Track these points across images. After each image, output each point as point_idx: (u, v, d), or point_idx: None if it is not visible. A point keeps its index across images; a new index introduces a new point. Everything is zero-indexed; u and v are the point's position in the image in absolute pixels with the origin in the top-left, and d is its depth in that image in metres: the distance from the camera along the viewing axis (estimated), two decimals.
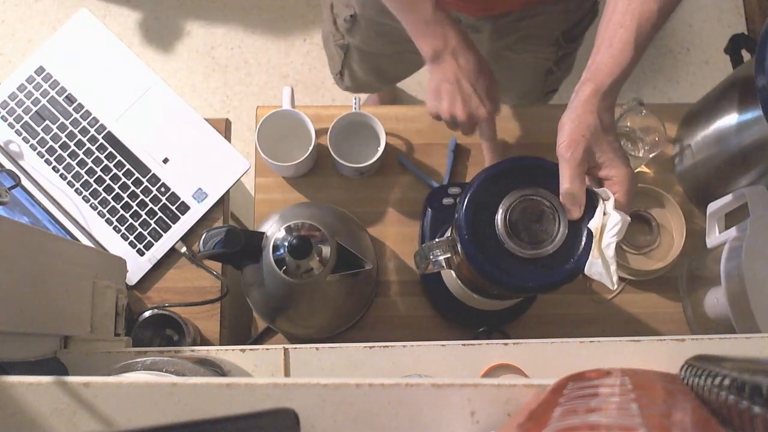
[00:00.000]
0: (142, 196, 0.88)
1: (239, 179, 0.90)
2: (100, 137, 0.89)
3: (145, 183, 0.88)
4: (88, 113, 0.90)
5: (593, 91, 0.57)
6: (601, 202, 0.57)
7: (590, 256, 0.55)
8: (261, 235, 0.71)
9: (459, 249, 0.57)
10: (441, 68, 0.70)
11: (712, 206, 0.78)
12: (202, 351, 0.58)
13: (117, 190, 0.88)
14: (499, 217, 0.56)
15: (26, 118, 0.89)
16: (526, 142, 0.90)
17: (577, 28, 0.97)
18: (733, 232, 0.73)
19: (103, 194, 0.88)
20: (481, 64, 0.70)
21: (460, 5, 0.86)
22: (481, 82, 0.71)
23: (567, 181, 0.55)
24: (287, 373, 0.56)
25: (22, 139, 0.89)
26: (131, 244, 0.86)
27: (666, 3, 0.58)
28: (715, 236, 0.77)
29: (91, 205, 0.87)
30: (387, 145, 0.84)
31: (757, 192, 0.72)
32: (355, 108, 0.86)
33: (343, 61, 1.07)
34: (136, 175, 0.88)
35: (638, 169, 0.88)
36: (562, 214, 0.56)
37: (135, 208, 0.87)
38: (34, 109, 0.90)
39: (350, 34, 0.98)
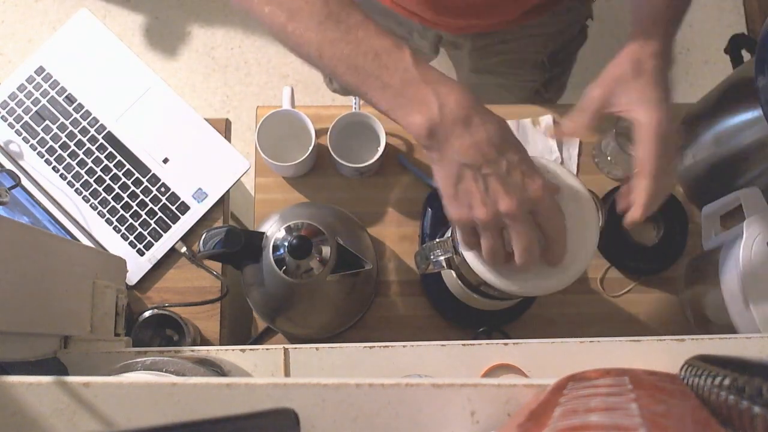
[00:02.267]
0: (142, 196, 0.88)
1: (239, 179, 0.90)
2: (100, 137, 0.89)
3: (145, 183, 0.88)
4: (88, 113, 0.90)
5: (632, 34, 0.55)
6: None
7: None
8: (261, 235, 0.71)
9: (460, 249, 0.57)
10: (447, 151, 0.47)
11: (707, 209, 0.78)
12: (202, 351, 0.58)
13: (117, 190, 0.88)
14: None
15: (26, 118, 0.89)
16: None
17: (563, 51, 0.96)
18: (729, 234, 0.73)
19: (103, 194, 0.88)
20: (500, 123, 0.48)
21: (439, 21, 0.86)
22: (512, 147, 0.48)
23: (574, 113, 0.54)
24: (287, 373, 0.56)
25: (22, 139, 0.89)
26: (131, 244, 0.86)
27: None
28: (711, 238, 0.78)
29: (91, 205, 0.87)
30: (387, 145, 0.84)
31: (751, 194, 0.72)
32: (355, 108, 0.86)
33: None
34: (136, 175, 0.88)
35: None
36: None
37: (135, 208, 0.87)
38: (34, 109, 0.90)
39: None
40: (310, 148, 0.82)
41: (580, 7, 0.89)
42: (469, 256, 0.55)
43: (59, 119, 0.89)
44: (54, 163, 0.88)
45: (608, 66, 0.55)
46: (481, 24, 0.85)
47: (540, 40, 0.90)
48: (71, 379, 0.42)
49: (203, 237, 0.69)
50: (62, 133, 0.89)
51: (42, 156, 0.88)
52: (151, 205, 0.88)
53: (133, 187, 0.88)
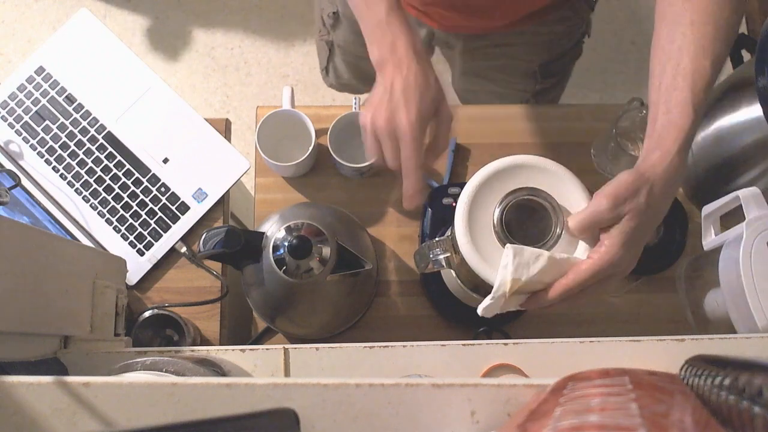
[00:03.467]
0: (142, 196, 0.88)
1: (239, 179, 0.90)
2: (100, 137, 0.89)
3: (145, 183, 0.88)
4: (88, 113, 0.90)
5: (660, 157, 0.53)
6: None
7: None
8: (261, 235, 0.71)
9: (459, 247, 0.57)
10: (382, 77, 0.61)
11: (707, 209, 0.78)
12: (202, 351, 0.58)
13: (117, 190, 0.88)
14: (495, 216, 0.56)
15: (26, 118, 0.89)
16: (534, 142, 0.90)
17: (556, 64, 0.96)
18: (729, 234, 0.73)
19: (103, 194, 0.88)
20: (427, 81, 0.60)
21: (428, 19, 0.86)
22: (420, 98, 0.59)
23: (579, 221, 0.53)
24: (287, 373, 0.56)
25: (22, 139, 0.89)
26: (131, 244, 0.86)
27: (717, 57, 0.55)
28: (711, 238, 0.77)
29: (91, 205, 0.87)
30: (366, 105, 0.84)
31: (751, 194, 0.72)
32: (355, 108, 0.86)
33: (328, 57, 1.07)
34: (136, 175, 0.88)
35: None
36: (559, 215, 0.56)
37: (135, 208, 0.87)
38: (34, 109, 0.90)
39: (333, 30, 0.97)
40: (310, 148, 0.82)
41: (574, 17, 0.88)
42: (469, 256, 0.56)
43: (59, 119, 0.89)
44: (54, 163, 0.88)
45: (634, 174, 0.52)
46: (474, 26, 0.85)
47: (532, 48, 0.90)
48: (71, 379, 0.42)
49: (203, 237, 0.69)
50: (62, 133, 0.89)
51: (42, 156, 0.88)
52: (151, 205, 0.88)
53: (133, 187, 0.88)
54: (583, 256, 0.55)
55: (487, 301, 0.54)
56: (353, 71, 1.08)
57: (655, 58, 0.56)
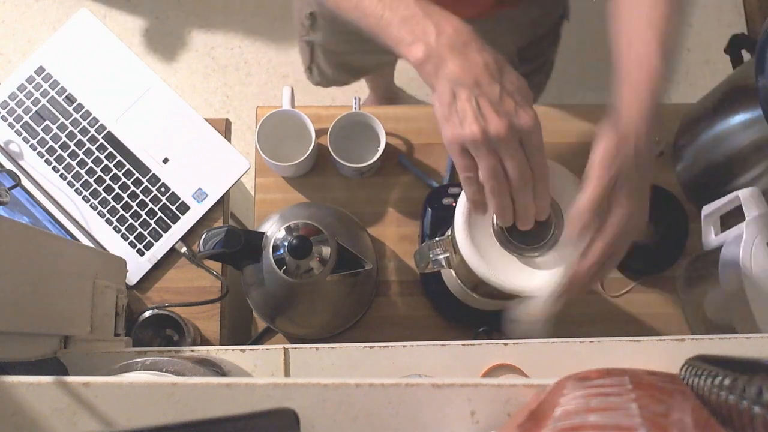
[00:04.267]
0: (142, 196, 0.88)
1: (239, 179, 0.90)
2: (100, 137, 0.89)
3: (145, 183, 0.88)
4: (88, 113, 0.90)
5: (638, 110, 0.50)
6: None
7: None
8: (261, 235, 0.71)
9: None
10: (443, 73, 0.48)
11: (707, 209, 0.78)
12: (202, 351, 0.58)
13: (117, 190, 0.88)
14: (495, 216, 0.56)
15: (26, 118, 0.89)
16: None
17: (533, 49, 0.94)
18: (728, 234, 0.73)
19: (103, 194, 0.88)
20: (497, 55, 0.50)
21: None
22: (508, 78, 0.49)
23: (587, 198, 0.49)
24: (287, 373, 0.56)
25: (22, 139, 0.89)
26: (131, 244, 0.86)
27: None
28: (711, 238, 0.78)
29: (91, 205, 0.87)
30: (387, 145, 0.84)
31: (750, 194, 0.72)
32: (355, 108, 0.86)
33: (310, 57, 1.04)
34: (136, 175, 0.88)
35: None
36: (559, 215, 0.56)
37: (135, 208, 0.87)
38: (34, 109, 0.90)
39: (312, 31, 0.95)
40: (310, 148, 0.82)
41: (550, 1, 0.87)
42: (469, 256, 0.56)
43: (59, 119, 0.89)
44: (54, 163, 0.88)
45: (616, 128, 0.50)
46: (462, 11, 0.84)
47: (507, 33, 0.87)
48: (71, 379, 0.42)
49: (203, 237, 0.69)
50: (62, 133, 0.89)
51: (42, 156, 0.88)
52: (151, 205, 0.88)
53: (133, 187, 0.88)
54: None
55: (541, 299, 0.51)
56: (337, 68, 1.06)
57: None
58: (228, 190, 0.89)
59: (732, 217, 0.75)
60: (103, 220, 0.87)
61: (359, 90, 1.62)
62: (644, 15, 0.53)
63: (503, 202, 0.50)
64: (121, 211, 0.87)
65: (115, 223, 0.87)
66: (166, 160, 0.89)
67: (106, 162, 0.88)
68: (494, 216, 0.56)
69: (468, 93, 0.48)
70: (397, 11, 0.50)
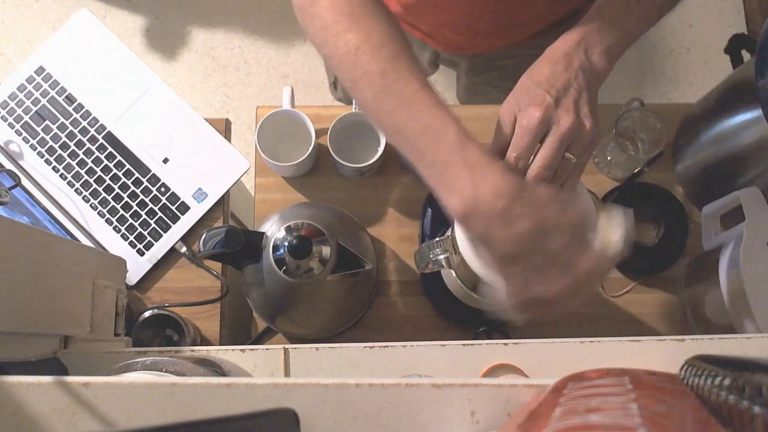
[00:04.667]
0: (142, 196, 0.88)
1: (239, 179, 0.90)
2: (100, 137, 0.89)
3: (145, 183, 0.88)
4: (88, 113, 0.90)
5: (564, 38, 0.51)
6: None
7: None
8: (261, 235, 0.71)
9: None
10: (487, 240, 0.46)
11: (707, 209, 0.78)
12: (202, 351, 0.58)
13: (117, 190, 0.88)
14: None
15: (26, 118, 0.89)
16: None
17: None
18: (729, 234, 0.73)
19: (103, 194, 0.88)
20: (543, 213, 0.45)
21: (432, 41, 0.86)
22: (555, 235, 0.45)
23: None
24: (287, 373, 0.56)
25: (22, 139, 0.89)
26: (131, 244, 0.86)
27: None
28: (711, 238, 0.77)
29: (91, 205, 0.87)
30: (387, 145, 0.84)
31: (751, 194, 0.72)
32: (355, 108, 0.86)
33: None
34: (136, 175, 0.88)
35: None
36: None
37: (135, 208, 0.87)
38: (34, 109, 0.90)
39: None
40: (310, 148, 0.82)
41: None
42: (469, 256, 0.55)
43: (59, 119, 0.89)
44: (54, 163, 0.88)
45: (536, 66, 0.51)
46: (479, 45, 0.85)
47: (535, 59, 0.90)
48: (71, 379, 0.42)
49: (203, 237, 0.69)
50: (62, 133, 0.89)
51: (42, 156, 0.88)
52: (151, 205, 0.88)
53: (133, 187, 0.88)
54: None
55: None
56: None
57: None
58: (228, 190, 0.89)
59: (732, 217, 0.75)
60: (103, 220, 0.87)
61: None
62: None
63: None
64: (121, 211, 0.87)
65: (115, 223, 0.87)
66: (166, 160, 0.89)
67: (106, 162, 0.88)
68: None
69: (518, 263, 0.46)
70: (438, 152, 0.47)
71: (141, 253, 0.86)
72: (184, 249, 0.87)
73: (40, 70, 0.91)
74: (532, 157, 0.50)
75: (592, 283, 0.47)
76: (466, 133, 0.47)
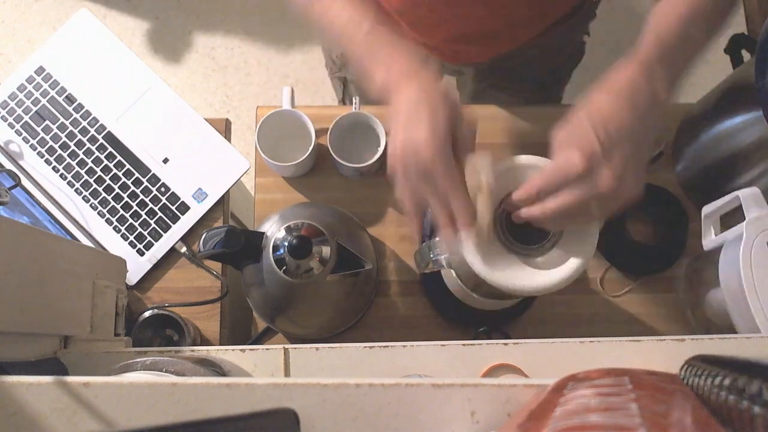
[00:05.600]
0: (142, 196, 0.88)
1: (239, 179, 0.90)
2: (100, 137, 0.89)
3: (145, 183, 0.88)
4: (88, 113, 0.90)
5: (627, 66, 0.50)
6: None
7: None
8: (261, 235, 0.71)
9: None
10: (393, 101, 0.52)
11: (707, 209, 0.78)
12: (202, 351, 0.58)
13: (117, 190, 0.88)
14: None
15: (26, 118, 0.89)
16: (534, 142, 0.90)
17: (562, 69, 0.97)
18: (729, 234, 0.73)
19: (103, 194, 0.88)
20: (432, 93, 0.51)
21: (439, 55, 0.86)
22: (432, 111, 0.50)
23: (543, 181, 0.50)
24: (287, 373, 0.56)
25: (22, 139, 0.89)
26: (131, 244, 0.86)
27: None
28: (711, 238, 0.77)
29: (91, 205, 0.87)
30: (387, 145, 0.84)
31: (751, 194, 0.72)
32: (355, 108, 0.86)
33: (343, 91, 1.06)
34: (136, 175, 0.88)
35: None
36: None
37: (135, 208, 0.87)
38: (34, 109, 0.90)
39: (345, 68, 0.97)
40: (310, 148, 0.82)
41: (578, 25, 0.89)
42: (469, 256, 0.55)
43: (59, 119, 0.89)
44: (54, 163, 0.88)
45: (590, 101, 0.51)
46: (486, 53, 0.85)
47: (540, 59, 0.90)
48: (71, 379, 0.42)
49: (203, 237, 0.69)
50: (62, 133, 0.89)
51: (42, 156, 0.88)
52: (151, 205, 0.88)
53: (133, 187, 0.88)
54: (585, 257, 0.55)
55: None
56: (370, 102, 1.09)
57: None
58: (228, 190, 0.89)
59: (732, 217, 0.75)
60: (103, 220, 0.87)
61: None
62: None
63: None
64: (121, 211, 0.87)
65: (115, 223, 0.87)
66: (166, 160, 0.89)
67: (106, 162, 0.88)
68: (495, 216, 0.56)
69: (400, 163, 0.52)
70: (358, 44, 0.55)
71: (141, 253, 0.86)
72: (184, 249, 0.87)
73: (40, 70, 0.91)
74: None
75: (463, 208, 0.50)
76: (381, 22, 0.55)
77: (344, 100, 1.11)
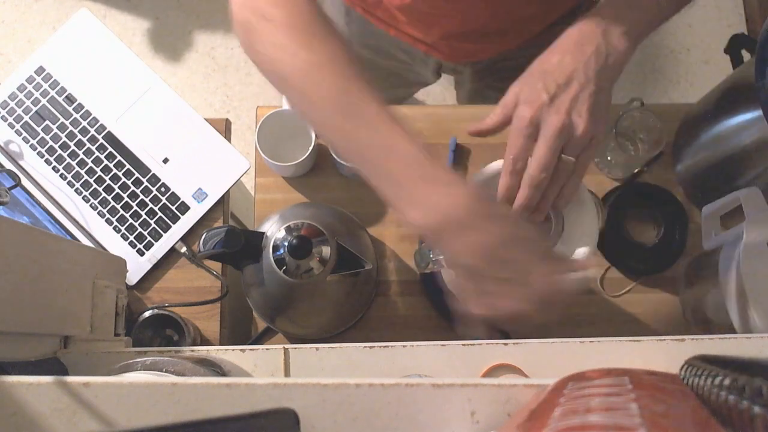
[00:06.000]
0: (142, 196, 0.88)
1: (239, 179, 0.90)
2: (100, 137, 0.89)
3: (145, 183, 0.88)
4: (88, 113, 0.90)
5: (580, 20, 0.51)
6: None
7: None
8: (261, 235, 0.71)
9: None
10: (447, 251, 0.49)
11: (707, 209, 0.78)
12: (202, 351, 0.58)
13: (117, 190, 0.88)
14: None
15: (26, 118, 0.89)
16: None
17: None
18: (729, 234, 0.73)
19: (103, 194, 0.88)
20: (502, 229, 0.47)
21: (437, 52, 0.86)
22: (514, 250, 0.47)
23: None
24: (287, 373, 0.56)
25: (22, 139, 0.89)
26: (131, 244, 0.86)
27: None
28: (711, 238, 0.77)
29: (91, 205, 0.87)
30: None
31: (751, 194, 0.72)
32: None
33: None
34: (136, 175, 0.88)
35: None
36: (559, 216, 0.56)
37: (135, 208, 0.87)
38: (34, 109, 0.90)
39: None
40: (310, 148, 0.82)
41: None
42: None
43: (59, 119, 0.89)
44: (54, 163, 0.88)
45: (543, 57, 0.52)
46: (485, 50, 0.85)
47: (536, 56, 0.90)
48: (71, 379, 0.42)
49: (203, 237, 0.69)
50: (62, 133, 0.89)
51: (42, 156, 0.88)
52: (151, 205, 0.88)
53: (133, 187, 0.88)
54: (590, 251, 0.55)
55: None
56: None
57: None
58: (228, 190, 0.89)
59: (732, 217, 0.75)
60: (103, 220, 0.87)
61: None
62: None
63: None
64: (121, 211, 0.87)
65: (115, 223, 0.87)
66: (166, 160, 0.89)
67: (106, 162, 0.88)
68: None
69: (475, 275, 0.48)
70: (401, 169, 0.48)
71: (141, 253, 0.86)
72: (184, 249, 0.87)
73: (40, 70, 0.91)
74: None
75: (555, 296, 0.48)
76: (429, 151, 0.48)
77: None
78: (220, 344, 0.85)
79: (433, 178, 0.47)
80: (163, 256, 0.86)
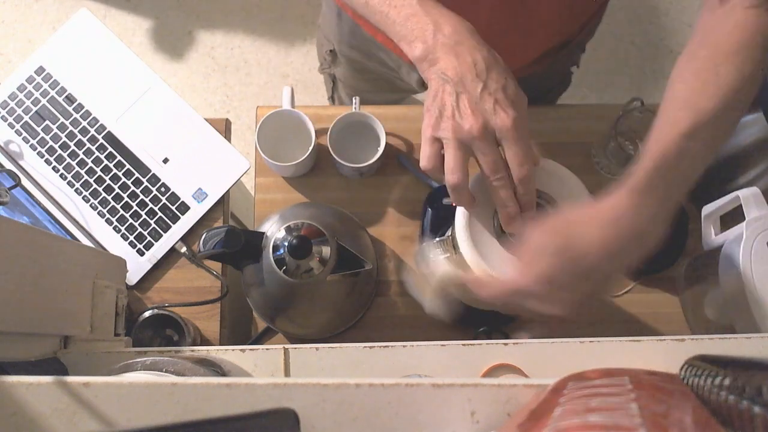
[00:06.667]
0: (142, 196, 0.88)
1: (239, 179, 0.90)
2: (100, 137, 0.89)
3: (145, 183, 0.88)
4: (88, 113, 0.90)
5: (616, 194, 0.48)
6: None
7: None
8: (261, 235, 0.71)
9: None
10: (434, 69, 0.50)
11: (707, 209, 0.78)
12: (202, 351, 0.58)
13: (117, 190, 0.88)
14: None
15: (26, 118, 0.89)
16: (534, 142, 0.89)
17: (549, 95, 1.00)
18: (729, 234, 0.73)
19: (103, 194, 0.88)
20: (492, 55, 0.50)
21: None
22: (493, 77, 0.49)
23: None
24: (287, 373, 0.56)
25: (22, 139, 0.89)
26: (131, 244, 0.86)
27: (724, 104, 0.51)
28: (711, 238, 0.77)
29: (91, 205, 0.87)
30: (387, 145, 0.84)
31: (751, 194, 0.72)
32: (355, 108, 0.86)
33: (332, 88, 1.07)
34: (136, 175, 0.88)
35: None
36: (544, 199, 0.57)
37: (135, 208, 0.87)
38: (34, 109, 0.90)
39: (333, 65, 0.98)
40: (310, 148, 0.82)
41: (568, 56, 0.88)
42: (469, 256, 0.56)
43: (59, 119, 0.89)
44: (54, 163, 0.88)
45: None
46: None
47: (527, 86, 0.90)
48: (71, 379, 0.42)
49: (203, 237, 0.69)
50: (62, 133, 0.89)
51: (42, 156, 0.88)
52: (151, 205, 0.88)
53: (133, 187, 0.88)
54: None
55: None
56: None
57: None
58: (228, 190, 0.89)
59: (732, 217, 0.75)
60: (103, 220, 0.87)
61: None
62: (683, 98, 0.52)
63: (461, 198, 0.52)
64: (121, 211, 0.87)
65: (115, 223, 0.87)
66: (166, 160, 0.89)
67: (106, 162, 0.88)
68: (495, 216, 0.56)
69: (451, 89, 0.49)
70: (401, 10, 0.52)
71: (141, 253, 0.86)
72: (184, 249, 0.87)
73: (40, 70, 0.91)
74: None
75: (515, 143, 0.50)
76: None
77: (333, 98, 1.11)
78: (220, 344, 0.85)
79: (429, 11, 0.52)
80: (163, 256, 0.86)
